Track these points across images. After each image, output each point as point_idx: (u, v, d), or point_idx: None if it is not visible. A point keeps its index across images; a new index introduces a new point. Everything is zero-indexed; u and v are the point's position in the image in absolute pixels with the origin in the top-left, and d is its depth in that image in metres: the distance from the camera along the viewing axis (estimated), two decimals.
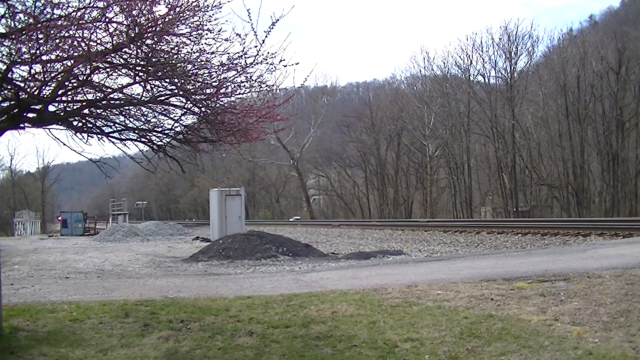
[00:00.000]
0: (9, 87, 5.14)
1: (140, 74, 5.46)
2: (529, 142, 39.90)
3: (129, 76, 5.57)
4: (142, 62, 5.33)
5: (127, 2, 4.68)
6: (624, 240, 14.36)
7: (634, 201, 34.94)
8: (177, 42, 5.27)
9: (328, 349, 4.88)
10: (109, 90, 5.72)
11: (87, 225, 39.09)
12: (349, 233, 29.05)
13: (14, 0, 4.53)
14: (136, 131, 6.32)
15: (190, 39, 5.25)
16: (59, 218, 42.88)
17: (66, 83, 5.36)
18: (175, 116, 6.32)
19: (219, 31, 5.29)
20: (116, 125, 6.27)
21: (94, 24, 4.69)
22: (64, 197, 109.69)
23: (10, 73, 4.99)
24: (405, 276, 8.93)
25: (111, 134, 6.25)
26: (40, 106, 5.42)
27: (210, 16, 5.20)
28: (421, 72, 50.35)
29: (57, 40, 4.55)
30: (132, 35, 4.90)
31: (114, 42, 4.95)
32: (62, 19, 4.51)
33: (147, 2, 4.85)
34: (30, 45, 4.52)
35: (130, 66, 5.37)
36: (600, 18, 57.41)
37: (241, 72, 5.62)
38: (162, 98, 5.83)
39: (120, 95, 5.86)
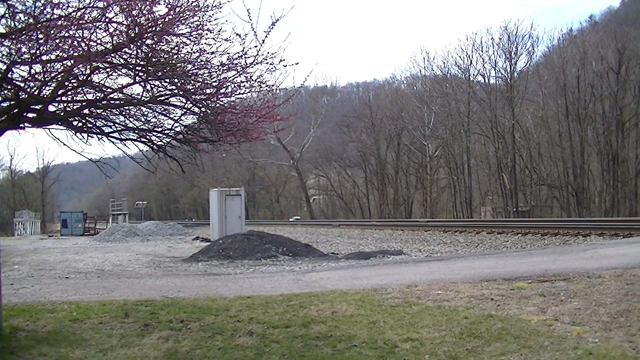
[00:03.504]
0: (9, 87, 5.15)
1: (140, 74, 5.46)
2: (529, 142, 39.90)
3: (129, 76, 5.58)
4: (142, 62, 5.33)
5: (127, 2, 4.68)
6: (624, 240, 14.35)
7: (634, 201, 34.93)
8: (177, 42, 5.27)
9: (328, 349, 4.88)
10: (109, 90, 5.72)
11: (87, 225, 39.08)
12: (349, 233, 29.05)
13: (14, 0, 4.54)
14: (136, 131, 6.32)
15: (190, 39, 5.25)
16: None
17: (66, 83, 5.36)
18: (175, 116, 6.33)
19: (219, 31, 5.30)
20: (116, 125, 6.28)
21: (94, 24, 4.69)
22: (64, 197, 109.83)
23: (10, 73, 4.99)
24: (405, 276, 8.93)
25: (111, 134, 6.25)
26: (40, 106, 5.42)
27: (210, 16, 5.21)
28: (421, 72, 50.48)
29: (57, 40, 4.56)
30: (132, 35, 4.90)
31: (114, 42, 4.95)
32: (62, 19, 4.51)
33: (147, 2, 4.85)
34: (30, 45, 4.52)
35: (130, 66, 5.37)
36: (600, 18, 57.51)
37: (241, 72, 5.63)
38: (162, 98, 5.83)
39: (120, 95, 5.86)
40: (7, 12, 4.56)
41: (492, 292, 6.83)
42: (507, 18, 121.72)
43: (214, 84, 5.67)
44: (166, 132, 6.50)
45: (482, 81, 44.31)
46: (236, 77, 5.67)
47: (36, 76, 5.02)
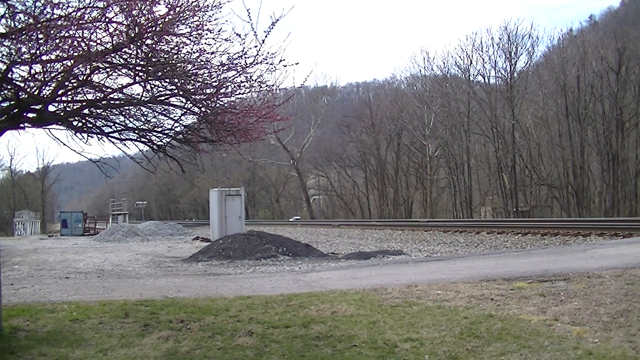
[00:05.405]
0: (9, 87, 5.15)
1: (140, 74, 5.46)
2: (529, 142, 39.88)
3: (129, 76, 5.58)
4: (142, 62, 5.34)
5: (127, 2, 4.68)
6: (624, 240, 14.35)
7: (634, 201, 34.92)
8: (177, 42, 5.27)
9: (328, 349, 4.88)
10: (109, 90, 5.72)
11: (87, 225, 39.10)
12: (349, 233, 29.05)
13: (14, 0, 4.54)
14: (136, 131, 6.33)
15: (190, 39, 5.25)
16: None
17: (66, 83, 5.36)
18: (175, 116, 6.33)
19: (219, 31, 5.30)
20: (116, 125, 6.28)
21: (94, 24, 4.69)
22: (64, 197, 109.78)
23: (10, 73, 4.99)
24: (405, 276, 8.93)
25: (111, 134, 6.26)
26: (40, 106, 5.42)
27: (210, 16, 5.21)
28: (421, 72, 50.48)
29: (57, 40, 4.56)
30: (132, 35, 4.90)
31: (114, 42, 4.95)
32: (62, 19, 4.51)
33: (147, 2, 4.85)
34: (30, 45, 4.53)
35: (130, 66, 5.37)
36: (600, 18, 57.50)
37: (241, 72, 5.63)
38: (162, 98, 5.83)
39: (120, 95, 5.86)
40: (7, 12, 4.56)
41: (492, 292, 6.83)
42: (507, 18, 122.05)
43: (214, 84, 5.67)
44: (166, 132, 6.50)
45: (482, 81, 44.36)
46: (236, 77, 5.68)
47: (36, 76, 5.02)
